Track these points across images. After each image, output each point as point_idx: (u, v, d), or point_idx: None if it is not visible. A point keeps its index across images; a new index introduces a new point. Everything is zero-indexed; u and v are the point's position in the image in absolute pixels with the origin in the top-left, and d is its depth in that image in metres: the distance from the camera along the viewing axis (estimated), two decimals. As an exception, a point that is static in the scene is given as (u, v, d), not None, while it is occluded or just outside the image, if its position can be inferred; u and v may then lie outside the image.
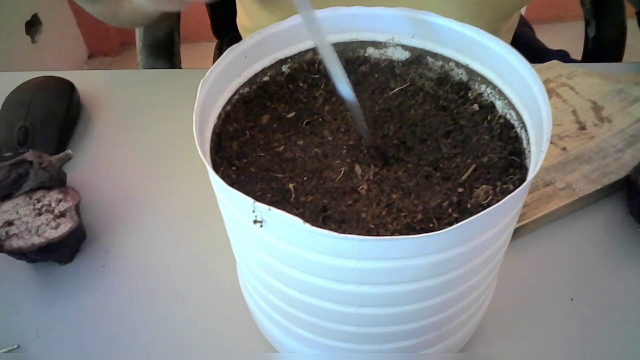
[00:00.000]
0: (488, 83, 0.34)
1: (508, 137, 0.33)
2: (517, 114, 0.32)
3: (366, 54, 0.38)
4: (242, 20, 0.69)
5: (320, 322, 0.30)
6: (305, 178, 0.31)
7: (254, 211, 0.25)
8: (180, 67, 0.74)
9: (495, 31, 0.62)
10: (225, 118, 0.34)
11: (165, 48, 0.72)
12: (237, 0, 0.67)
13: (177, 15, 0.74)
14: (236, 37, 0.75)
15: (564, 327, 0.38)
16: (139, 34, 0.71)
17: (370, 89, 0.37)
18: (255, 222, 0.25)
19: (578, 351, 0.37)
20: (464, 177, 0.31)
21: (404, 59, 0.37)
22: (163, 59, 0.72)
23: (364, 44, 0.37)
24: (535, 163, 0.27)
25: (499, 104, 0.34)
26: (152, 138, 0.54)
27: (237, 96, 0.35)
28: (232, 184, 0.29)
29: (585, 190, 0.44)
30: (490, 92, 0.34)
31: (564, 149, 0.48)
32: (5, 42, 1.40)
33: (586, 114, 0.51)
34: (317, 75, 0.37)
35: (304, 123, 0.35)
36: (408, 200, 0.30)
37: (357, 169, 0.32)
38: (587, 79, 0.54)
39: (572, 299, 0.40)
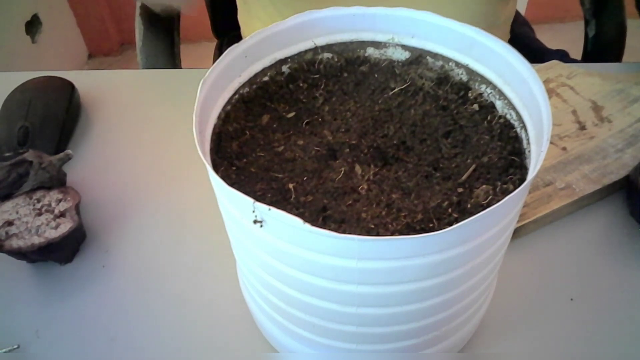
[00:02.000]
0: (488, 83, 0.34)
1: (508, 137, 0.33)
2: (517, 114, 0.32)
3: (366, 54, 0.38)
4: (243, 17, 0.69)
5: (320, 322, 0.30)
6: (305, 178, 0.31)
7: (254, 211, 0.25)
8: (180, 67, 0.74)
9: (494, 18, 0.62)
10: (225, 118, 0.34)
11: (165, 48, 0.72)
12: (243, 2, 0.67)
13: (177, 15, 0.74)
14: (236, 37, 0.75)
15: (564, 327, 0.38)
16: (139, 34, 0.71)
17: (370, 89, 0.37)
18: (255, 222, 0.25)
19: (578, 351, 0.37)
20: (464, 177, 0.31)
21: (404, 59, 0.37)
22: (163, 59, 0.72)
23: (364, 44, 0.37)
24: (535, 163, 0.27)
25: (499, 104, 0.34)
26: (152, 138, 0.54)
27: (237, 96, 0.35)
28: (232, 184, 0.29)
29: (585, 190, 0.44)
30: (490, 92, 0.34)
31: (564, 149, 0.48)
32: (5, 42, 1.40)
33: (586, 114, 0.51)
34: (317, 75, 0.37)
35: (304, 123, 0.35)
36: (408, 200, 0.30)
37: (357, 169, 0.32)
38: (587, 79, 0.54)
39: (572, 299, 0.40)
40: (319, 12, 0.35)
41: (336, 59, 0.37)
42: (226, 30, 0.84)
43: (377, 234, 0.28)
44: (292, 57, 0.37)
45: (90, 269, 0.43)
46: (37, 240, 0.41)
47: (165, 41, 0.72)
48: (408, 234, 0.27)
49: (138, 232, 0.46)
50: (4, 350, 0.38)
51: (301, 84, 0.37)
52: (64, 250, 0.43)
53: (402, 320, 0.29)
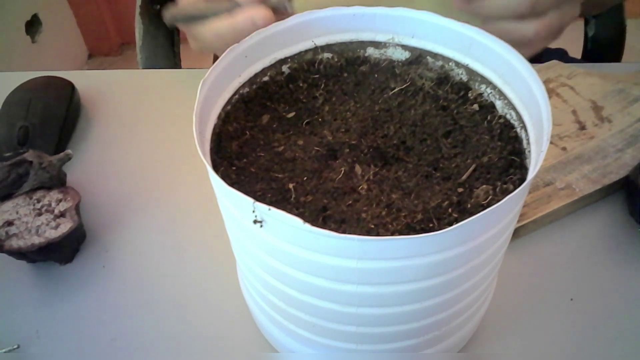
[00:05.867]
0: (488, 83, 0.34)
1: (508, 137, 0.33)
2: (517, 114, 0.32)
3: (366, 54, 0.38)
4: None
5: (320, 322, 0.30)
6: (305, 178, 0.31)
7: (254, 211, 0.25)
8: (180, 67, 0.74)
9: None
10: (225, 118, 0.34)
11: (165, 48, 0.72)
12: None
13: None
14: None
15: (564, 327, 0.38)
16: (138, 33, 0.71)
17: (370, 89, 0.37)
18: (255, 222, 0.25)
19: (578, 351, 0.37)
20: (464, 177, 0.31)
21: (404, 59, 0.37)
22: (163, 59, 0.72)
23: (364, 44, 0.37)
24: (535, 163, 0.27)
25: (499, 104, 0.34)
26: (152, 138, 0.54)
27: (237, 96, 0.35)
28: (232, 184, 0.29)
29: (585, 190, 0.44)
30: (490, 92, 0.34)
31: (564, 149, 0.48)
32: (5, 42, 1.40)
33: (586, 114, 0.51)
34: (317, 75, 0.37)
35: (304, 123, 0.35)
36: (408, 200, 0.30)
37: (357, 169, 0.32)
38: (587, 79, 0.54)
39: (572, 299, 0.40)
40: (319, 12, 0.35)
41: (336, 59, 0.37)
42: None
43: (377, 234, 0.28)
44: (292, 57, 0.37)
45: (90, 269, 0.43)
46: (37, 240, 0.41)
47: (165, 41, 0.72)
48: (408, 234, 0.27)
49: (138, 232, 0.46)
50: (4, 350, 0.38)
51: (301, 84, 0.37)
52: (64, 250, 0.43)
53: (402, 320, 0.29)
